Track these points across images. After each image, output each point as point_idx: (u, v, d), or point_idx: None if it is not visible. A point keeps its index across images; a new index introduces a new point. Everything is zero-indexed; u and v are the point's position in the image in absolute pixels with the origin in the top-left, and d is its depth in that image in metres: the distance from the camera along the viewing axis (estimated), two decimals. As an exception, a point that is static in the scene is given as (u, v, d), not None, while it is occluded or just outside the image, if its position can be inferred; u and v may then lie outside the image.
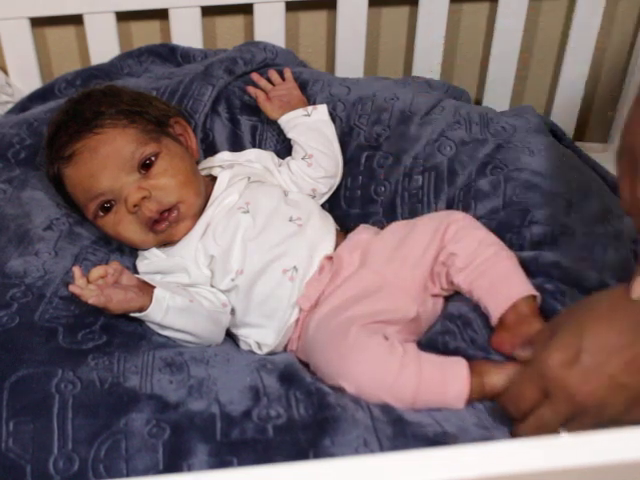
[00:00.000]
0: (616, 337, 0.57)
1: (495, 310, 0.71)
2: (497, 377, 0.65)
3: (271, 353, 0.76)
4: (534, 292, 0.70)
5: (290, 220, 0.80)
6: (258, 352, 0.77)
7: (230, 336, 0.80)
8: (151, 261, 0.80)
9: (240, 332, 0.79)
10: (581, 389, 0.57)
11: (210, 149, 0.95)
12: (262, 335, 0.77)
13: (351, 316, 0.69)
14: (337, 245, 0.80)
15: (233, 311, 0.78)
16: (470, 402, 0.65)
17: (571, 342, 0.59)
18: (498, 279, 0.71)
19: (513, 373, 0.65)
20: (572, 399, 0.58)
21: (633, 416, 0.57)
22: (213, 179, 0.85)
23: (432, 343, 0.72)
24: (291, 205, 0.82)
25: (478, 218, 0.80)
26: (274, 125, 0.94)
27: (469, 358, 0.67)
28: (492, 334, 0.71)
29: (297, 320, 0.76)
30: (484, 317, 0.73)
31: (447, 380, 0.65)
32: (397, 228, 0.80)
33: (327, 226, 0.82)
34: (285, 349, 0.78)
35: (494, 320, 0.71)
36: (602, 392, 0.57)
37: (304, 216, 0.81)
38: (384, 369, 0.64)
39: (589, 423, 0.58)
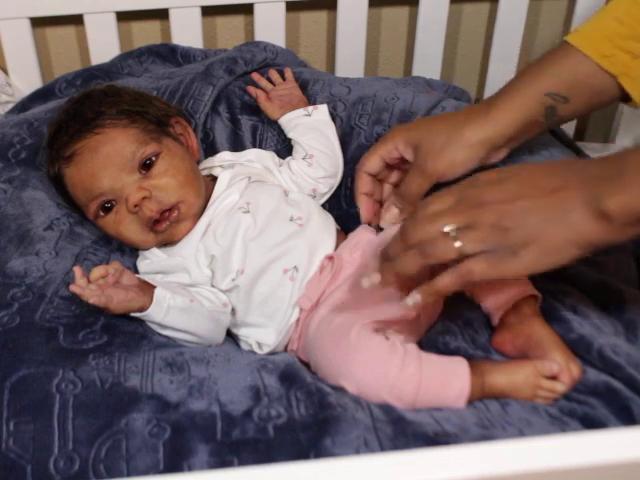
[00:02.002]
0: (545, 177, 0.58)
1: (496, 310, 0.71)
2: (498, 377, 0.65)
3: (272, 353, 0.76)
4: (535, 292, 0.70)
5: (291, 220, 0.80)
6: (259, 352, 0.77)
7: (231, 336, 0.80)
8: (152, 261, 0.80)
9: (241, 332, 0.79)
10: (489, 198, 0.58)
11: (210, 149, 0.95)
12: (263, 335, 0.77)
13: (352, 316, 0.69)
14: (338, 245, 0.80)
15: (234, 311, 0.78)
16: (471, 402, 0.65)
17: (499, 172, 0.61)
18: (498, 280, 0.71)
19: (514, 372, 0.66)
20: (477, 207, 0.58)
21: (522, 257, 0.57)
22: (214, 179, 0.85)
23: (432, 343, 0.72)
24: (291, 205, 0.82)
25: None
26: (275, 125, 0.94)
27: (470, 358, 0.67)
28: (493, 334, 0.71)
29: (298, 320, 0.76)
30: (484, 317, 0.73)
31: (448, 380, 0.65)
32: (398, 227, 0.80)
33: (328, 226, 0.82)
34: (286, 349, 0.78)
35: (495, 320, 0.71)
36: (505, 211, 0.57)
37: (305, 216, 0.81)
38: (385, 369, 0.64)
39: (482, 237, 0.58)
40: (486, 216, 0.58)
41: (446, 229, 0.59)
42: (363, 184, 0.81)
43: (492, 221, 0.58)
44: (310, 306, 0.75)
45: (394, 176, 0.84)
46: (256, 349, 0.77)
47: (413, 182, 0.77)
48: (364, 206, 0.82)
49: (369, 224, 0.82)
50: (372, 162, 0.80)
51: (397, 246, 0.63)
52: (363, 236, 0.80)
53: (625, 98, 0.76)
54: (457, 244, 0.58)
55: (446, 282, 0.61)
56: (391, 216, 0.79)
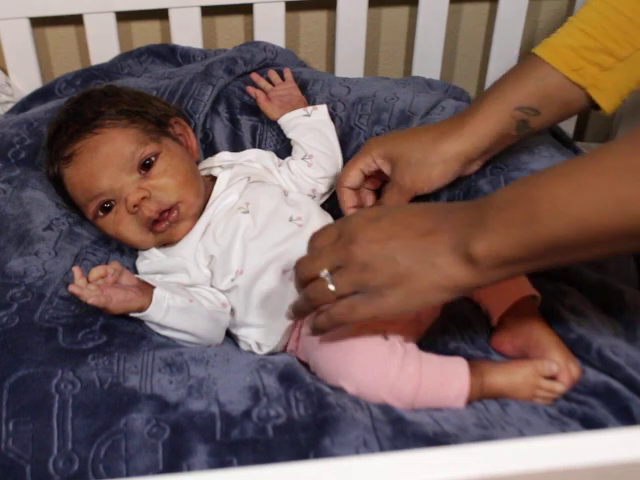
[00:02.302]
0: (419, 220, 0.59)
1: (496, 310, 0.71)
2: (497, 377, 0.65)
3: (271, 353, 0.76)
4: (534, 292, 0.70)
5: (290, 220, 0.80)
6: (258, 352, 0.76)
7: (230, 336, 0.80)
8: (151, 261, 0.80)
9: (240, 332, 0.79)
10: (363, 236, 0.59)
11: (210, 149, 0.95)
12: (262, 335, 0.77)
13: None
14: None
15: (233, 311, 0.78)
16: (470, 402, 0.65)
17: (379, 210, 0.63)
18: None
19: (513, 373, 0.66)
20: (351, 243, 0.59)
21: (388, 298, 0.58)
22: (213, 179, 0.85)
23: (432, 343, 0.72)
24: (291, 205, 0.82)
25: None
26: (274, 125, 0.94)
27: (469, 358, 0.67)
28: (492, 334, 0.71)
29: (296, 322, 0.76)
30: (484, 317, 0.73)
31: (447, 380, 0.65)
32: None
33: (327, 226, 0.82)
34: (285, 349, 0.77)
35: (494, 320, 0.71)
36: (376, 251, 0.58)
37: (304, 216, 0.80)
38: (385, 369, 0.64)
39: (352, 278, 0.59)
40: (358, 255, 0.59)
41: (322, 274, 0.60)
42: (348, 198, 0.82)
43: (363, 261, 0.59)
44: None
45: (371, 183, 0.86)
46: (255, 349, 0.77)
47: (392, 199, 0.79)
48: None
49: None
50: (352, 177, 0.82)
51: (296, 282, 0.65)
52: None
53: (596, 106, 0.77)
54: (331, 287, 0.60)
55: (321, 322, 0.62)
56: None
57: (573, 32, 0.76)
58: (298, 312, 0.65)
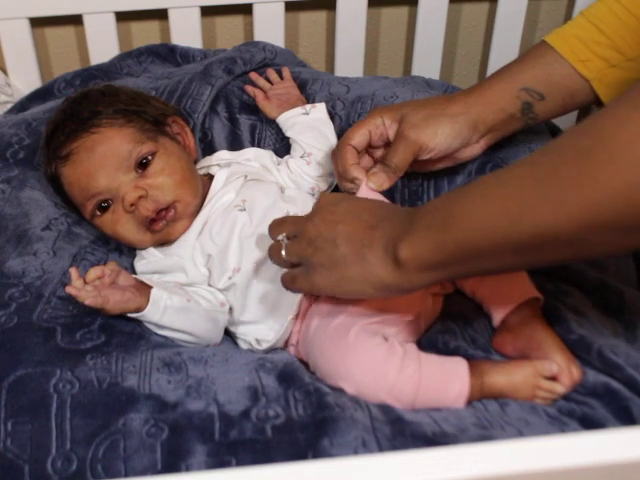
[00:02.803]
0: (367, 213, 0.62)
1: (498, 312, 0.70)
2: (497, 377, 0.65)
3: (271, 349, 0.76)
4: (538, 295, 0.70)
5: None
6: (258, 348, 0.76)
7: (229, 335, 0.80)
8: (149, 261, 0.80)
9: (239, 330, 0.78)
10: (319, 215, 0.64)
11: (209, 148, 0.95)
12: (261, 331, 0.77)
13: (351, 317, 0.69)
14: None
15: (231, 309, 0.78)
16: (470, 402, 0.65)
17: (342, 196, 0.68)
18: (501, 280, 0.71)
19: (513, 373, 0.65)
20: (308, 219, 0.64)
21: (321, 277, 0.62)
22: (211, 178, 0.85)
23: (432, 342, 0.72)
24: (288, 201, 0.82)
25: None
26: (273, 124, 0.94)
27: (469, 357, 0.67)
28: (494, 335, 0.71)
29: (298, 314, 0.76)
30: (484, 316, 0.73)
31: (447, 381, 0.64)
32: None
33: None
34: (286, 344, 0.77)
35: (497, 321, 0.71)
36: (323, 231, 0.62)
37: (301, 212, 0.80)
38: (384, 370, 0.64)
39: (299, 249, 0.64)
40: (308, 231, 0.63)
41: (279, 237, 0.66)
42: (352, 156, 0.80)
43: (310, 237, 0.63)
44: (308, 303, 0.75)
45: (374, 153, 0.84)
46: (255, 345, 0.77)
47: (397, 151, 0.77)
48: (362, 173, 0.80)
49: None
50: (360, 136, 0.79)
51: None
52: None
53: (599, 102, 0.78)
54: (282, 252, 0.65)
55: (281, 281, 0.67)
56: (380, 179, 0.77)
57: (584, 25, 0.77)
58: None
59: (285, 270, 0.68)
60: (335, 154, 0.80)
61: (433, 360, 0.66)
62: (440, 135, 0.77)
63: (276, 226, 0.68)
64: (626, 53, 0.75)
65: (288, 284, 0.67)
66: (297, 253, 0.64)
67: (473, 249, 0.54)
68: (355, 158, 0.80)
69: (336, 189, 0.90)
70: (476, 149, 0.81)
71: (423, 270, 0.58)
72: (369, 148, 0.82)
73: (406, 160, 0.77)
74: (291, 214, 0.80)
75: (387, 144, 0.80)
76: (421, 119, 0.76)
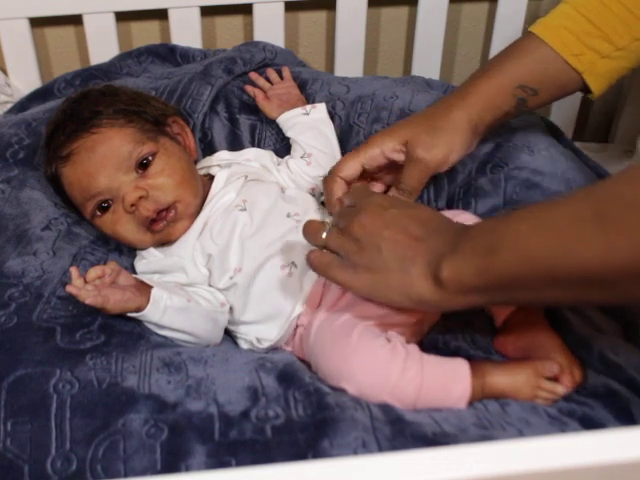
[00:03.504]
0: (415, 224, 0.62)
1: (500, 312, 0.70)
2: (498, 377, 0.65)
3: (271, 348, 0.76)
4: None
5: (288, 216, 0.80)
6: (258, 347, 0.76)
7: (229, 335, 0.80)
8: (149, 261, 0.80)
9: (240, 329, 0.78)
10: (368, 216, 0.63)
11: (209, 148, 0.95)
12: (262, 331, 0.77)
13: (354, 317, 0.69)
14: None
15: (231, 309, 0.78)
16: (471, 402, 0.65)
17: (395, 201, 0.67)
18: None
19: (514, 373, 0.66)
20: (356, 215, 0.64)
21: (359, 277, 0.62)
22: (211, 178, 0.85)
23: (433, 342, 0.72)
24: (288, 201, 0.82)
25: (479, 216, 0.80)
26: (273, 124, 0.94)
27: (470, 358, 0.67)
28: (496, 335, 0.71)
29: (299, 316, 0.76)
30: (485, 317, 0.73)
31: (449, 382, 0.64)
32: None
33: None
34: (287, 343, 0.77)
35: (499, 322, 0.70)
36: (370, 232, 0.62)
37: (302, 212, 0.80)
38: (386, 371, 0.64)
39: (342, 242, 0.64)
40: (355, 228, 0.63)
41: (326, 220, 0.66)
42: (337, 188, 0.79)
43: (356, 234, 0.63)
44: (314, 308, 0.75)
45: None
46: (256, 344, 0.77)
47: (412, 176, 0.77)
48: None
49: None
50: (349, 167, 0.79)
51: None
52: None
53: (586, 90, 0.79)
54: (323, 235, 0.65)
55: (310, 258, 0.67)
56: None
57: (573, 16, 0.77)
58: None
59: (311, 248, 0.67)
60: (324, 182, 0.81)
61: (435, 361, 0.66)
62: (454, 149, 0.77)
63: (332, 210, 0.68)
64: (616, 42, 0.76)
65: (320, 267, 0.65)
66: (340, 245, 0.64)
67: (514, 279, 0.54)
68: (342, 190, 0.79)
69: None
70: (472, 147, 0.81)
71: (462, 292, 0.57)
72: (373, 177, 0.82)
73: (422, 182, 0.78)
74: (292, 214, 0.80)
75: (391, 167, 0.80)
76: (428, 137, 0.76)
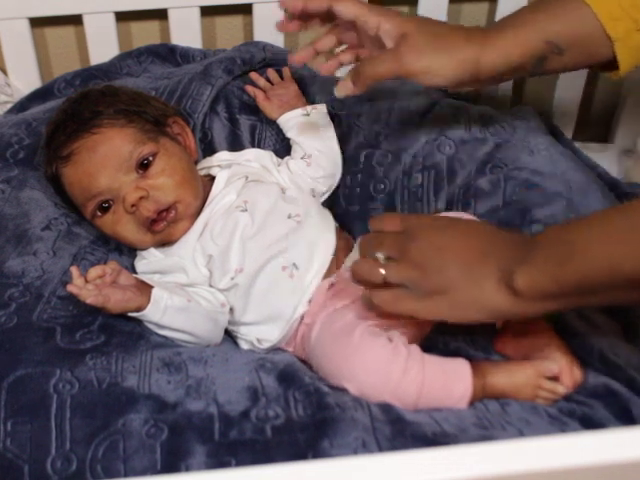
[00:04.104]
0: (475, 239, 0.62)
1: None
2: (499, 378, 0.66)
3: (272, 349, 0.76)
4: None
5: (289, 217, 0.80)
6: (259, 347, 0.76)
7: (229, 335, 0.80)
8: (149, 261, 0.80)
9: (240, 330, 0.78)
10: (424, 239, 0.63)
11: (209, 149, 0.94)
12: (263, 332, 0.77)
13: (356, 317, 0.69)
14: (337, 242, 0.80)
15: (232, 310, 0.78)
16: (472, 403, 0.65)
17: (445, 219, 0.69)
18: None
19: (515, 373, 0.66)
20: (412, 241, 0.63)
21: (433, 302, 0.61)
22: (212, 179, 0.85)
23: (432, 343, 0.72)
24: (289, 202, 0.82)
25: (478, 217, 0.81)
26: (273, 124, 0.94)
27: (469, 358, 0.67)
28: (496, 336, 0.71)
29: (302, 317, 0.76)
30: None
31: (450, 382, 0.65)
32: None
33: (326, 222, 0.82)
34: (287, 345, 0.77)
35: (499, 322, 0.70)
36: (431, 255, 0.62)
37: (302, 212, 0.80)
38: (388, 371, 0.64)
39: (405, 273, 0.62)
40: (415, 254, 0.62)
41: (378, 254, 0.64)
42: (318, 4, 0.73)
43: (417, 261, 0.62)
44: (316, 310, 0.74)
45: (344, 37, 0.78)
46: (256, 344, 0.77)
47: (382, 65, 0.72)
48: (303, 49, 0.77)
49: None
50: (346, 8, 0.73)
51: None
52: None
53: (610, 67, 0.74)
54: (382, 271, 0.63)
55: (366, 299, 0.67)
56: (345, 88, 0.73)
57: None
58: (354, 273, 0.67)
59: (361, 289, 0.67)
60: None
61: (436, 361, 0.66)
62: (433, 71, 0.71)
63: (374, 244, 0.65)
64: None
65: (388, 304, 0.64)
66: (403, 276, 0.62)
67: (592, 284, 0.55)
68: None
69: (336, 191, 0.90)
70: (468, 87, 0.75)
71: (539, 300, 0.58)
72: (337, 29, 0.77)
73: (387, 76, 0.72)
74: (292, 215, 0.80)
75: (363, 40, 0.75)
76: (422, 46, 0.71)
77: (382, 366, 0.64)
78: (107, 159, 0.76)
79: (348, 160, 0.90)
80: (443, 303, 0.61)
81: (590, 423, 0.62)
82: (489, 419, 0.62)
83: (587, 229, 0.56)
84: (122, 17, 1.08)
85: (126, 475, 0.58)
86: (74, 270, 0.68)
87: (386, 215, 0.70)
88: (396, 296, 0.63)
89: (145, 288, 0.71)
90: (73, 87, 1.01)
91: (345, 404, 0.62)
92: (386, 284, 0.63)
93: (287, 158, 0.90)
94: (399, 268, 0.63)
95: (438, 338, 0.72)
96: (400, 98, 0.93)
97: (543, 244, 0.58)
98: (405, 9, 1.19)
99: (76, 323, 0.69)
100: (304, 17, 0.77)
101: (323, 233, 0.80)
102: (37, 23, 1.07)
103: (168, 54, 1.06)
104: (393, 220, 0.67)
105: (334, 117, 0.93)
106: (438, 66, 0.72)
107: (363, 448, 0.58)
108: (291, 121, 0.91)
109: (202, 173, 0.86)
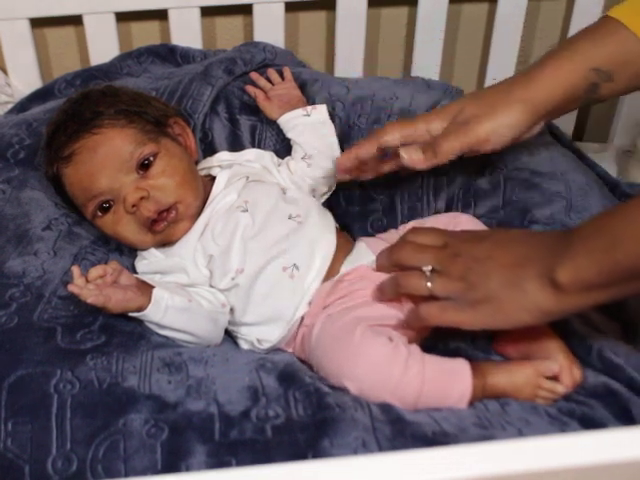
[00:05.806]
0: (514, 246, 0.63)
1: None
2: (499, 377, 0.66)
3: (272, 349, 0.76)
4: None
5: (289, 218, 0.80)
6: (259, 347, 0.76)
7: (229, 335, 0.80)
8: (150, 261, 0.80)
9: (240, 330, 0.78)
10: (467, 252, 0.65)
11: (209, 149, 0.95)
12: (263, 332, 0.77)
13: (357, 317, 0.69)
14: (338, 242, 0.80)
15: (232, 310, 0.78)
16: (472, 402, 0.65)
17: (484, 231, 0.71)
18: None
19: (515, 373, 0.66)
20: (456, 255, 0.65)
21: (478, 311, 0.63)
22: (212, 179, 0.84)
23: (433, 342, 0.72)
24: (290, 202, 0.82)
25: (478, 217, 0.81)
26: (273, 125, 0.94)
27: (469, 358, 0.67)
28: (496, 336, 0.71)
29: (302, 317, 0.76)
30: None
31: (450, 382, 0.65)
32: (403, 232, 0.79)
33: (327, 223, 0.82)
34: (287, 345, 0.77)
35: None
36: (475, 267, 0.63)
37: (303, 213, 0.80)
38: (388, 370, 0.64)
39: (451, 285, 0.64)
40: (457, 267, 0.64)
41: (424, 267, 0.66)
42: (366, 149, 0.76)
43: (460, 273, 0.64)
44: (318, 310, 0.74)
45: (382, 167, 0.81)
46: (257, 344, 0.77)
47: (449, 141, 0.73)
48: (345, 156, 0.79)
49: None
50: (391, 135, 0.76)
51: (385, 259, 0.71)
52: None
53: None
54: (429, 284, 0.65)
55: (410, 317, 0.68)
56: (415, 154, 0.74)
57: None
58: (381, 290, 0.70)
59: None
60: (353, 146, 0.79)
61: (436, 361, 0.66)
62: (502, 128, 0.73)
63: (414, 252, 0.67)
64: None
65: (436, 317, 0.66)
66: (450, 289, 0.64)
67: (638, 271, 0.55)
68: (369, 152, 0.77)
69: (336, 192, 0.90)
70: (535, 130, 0.76)
71: (585, 291, 0.58)
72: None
73: (454, 149, 0.73)
74: (293, 215, 0.80)
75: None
76: (480, 110, 0.73)
77: (382, 365, 0.64)
78: (108, 159, 0.77)
79: (348, 160, 0.90)
80: (487, 311, 0.62)
81: (590, 423, 0.62)
82: (489, 419, 0.62)
83: (627, 217, 0.56)
84: (122, 17, 1.09)
85: (126, 475, 0.58)
86: (75, 270, 0.68)
87: (428, 229, 0.71)
88: (442, 308, 0.65)
89: (146, 288, 0.71)
90: (73, 87, 1.01)
91: (345, 404, 0.62)
92: (431, 296, 0.65)
93: (287, 158, 0.90)
94: (444, 281, 0.65)
95: (438, 338, 0.72)
96: (400, 98, 0.93)
97: (583, 236, 0.58)
98: (405, 9, 1.19)
99: (77, 323, 0.69)
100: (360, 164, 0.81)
101: (324, 234, 0.80)
102: (37, 23, 1.07)
103: (168, 54, 1.06)
104: (433, 234, 0.69)
105: (334, 117, 0.93)
106: (503, 122, 0.73)
107: (363, 448, 0.58)
108: (291, 121, 0.91)
109: (202, 173, 0.86)
